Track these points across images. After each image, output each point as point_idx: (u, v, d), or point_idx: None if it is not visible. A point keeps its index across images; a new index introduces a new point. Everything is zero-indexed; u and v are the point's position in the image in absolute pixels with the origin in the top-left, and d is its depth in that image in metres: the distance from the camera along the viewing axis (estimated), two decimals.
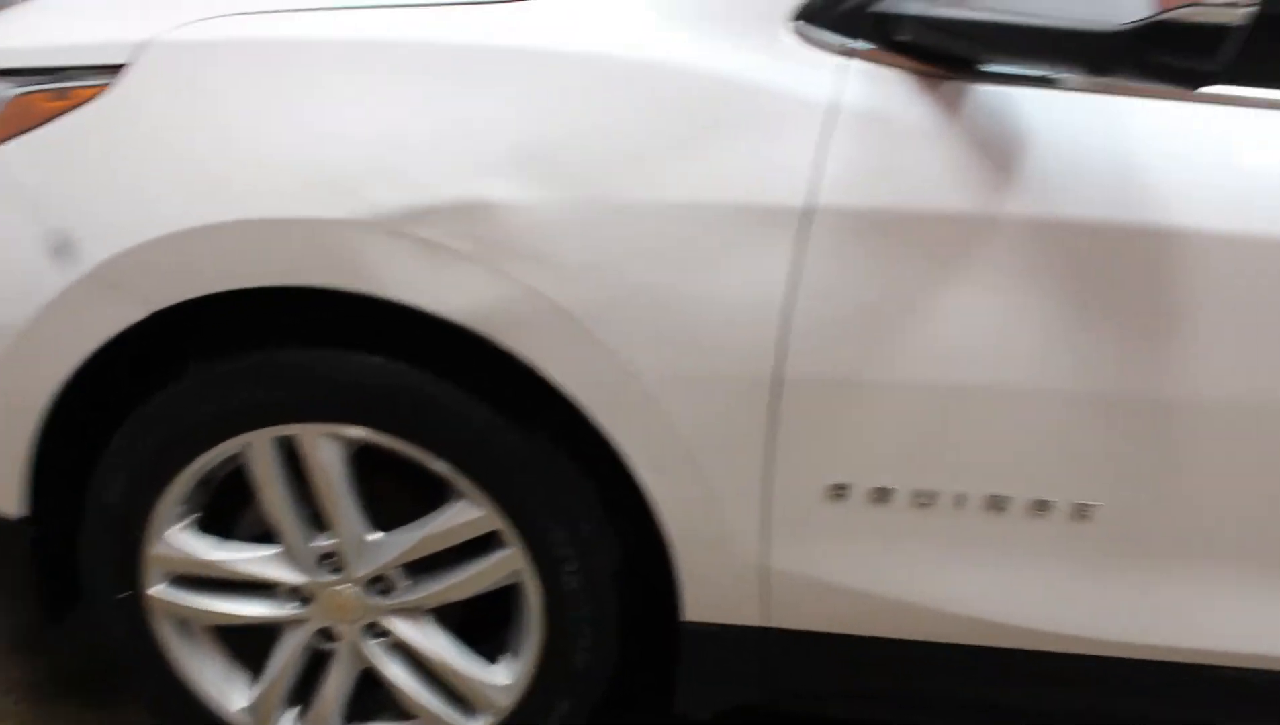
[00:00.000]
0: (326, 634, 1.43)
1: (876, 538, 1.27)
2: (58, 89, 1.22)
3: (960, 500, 1.26)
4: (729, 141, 1.15)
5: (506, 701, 1.42)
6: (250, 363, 1.27)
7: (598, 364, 1.19)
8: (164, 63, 1.20)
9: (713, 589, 1.32)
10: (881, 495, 1.26)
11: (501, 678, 1.41)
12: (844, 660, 1.37)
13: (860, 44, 1.17)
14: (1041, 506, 1.26)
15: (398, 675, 1.43)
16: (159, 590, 1.41)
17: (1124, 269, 1.16)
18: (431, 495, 1.33)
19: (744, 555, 1.28)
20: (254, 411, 1.28)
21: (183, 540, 1.37)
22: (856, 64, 1.16)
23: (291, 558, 1.37)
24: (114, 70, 1.20)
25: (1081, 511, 1.26)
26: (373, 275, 1.17)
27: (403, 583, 1.38)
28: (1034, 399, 1.20)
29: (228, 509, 1.42)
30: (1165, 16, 0.93)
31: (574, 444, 1.28)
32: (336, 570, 1.37)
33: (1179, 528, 1.26)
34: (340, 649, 1.43)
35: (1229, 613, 1.30)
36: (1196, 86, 0.99)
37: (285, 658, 1.43)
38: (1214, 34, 0.93)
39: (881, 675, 1.39)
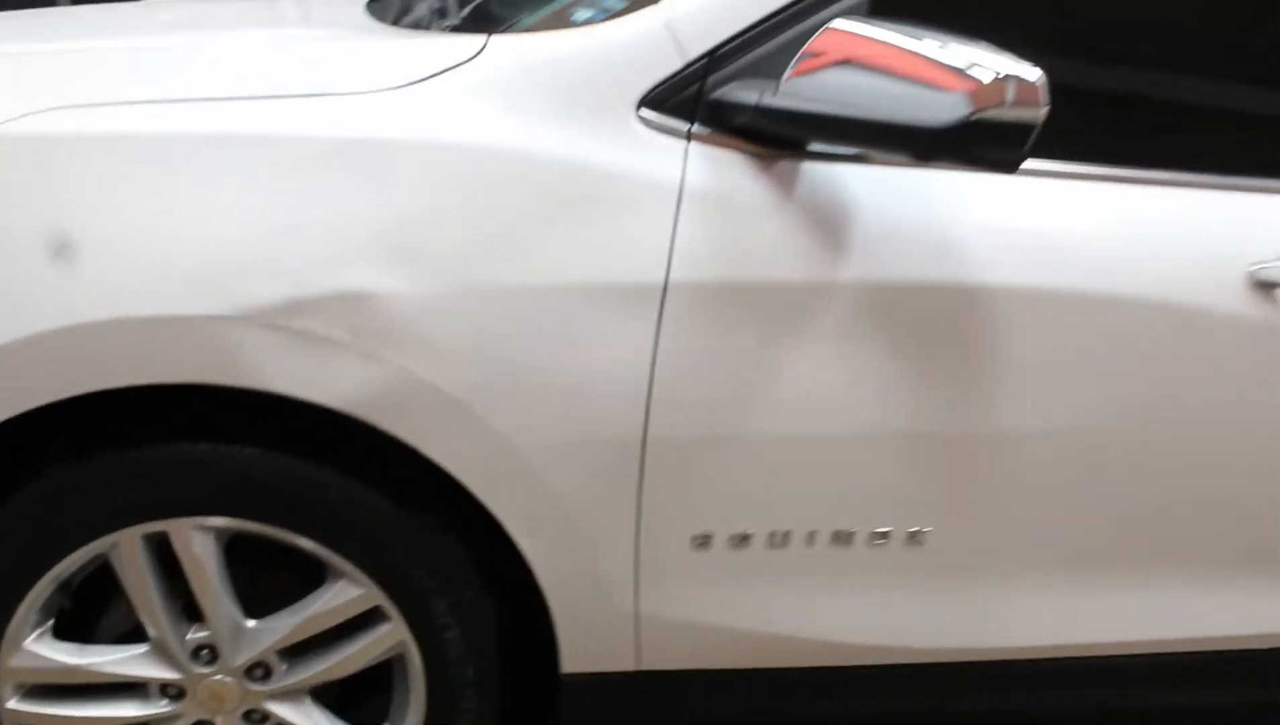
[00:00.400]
0: None
1: (739, 578, 1.39)
2: None
3: (811, 538, 1.38)
4: (587, 224, 1.24)
5: None
6: (120, 461, 1.24)
7: (475, 439, 1.24)
8: (21, 157, 1.16)
9: (588, 640, 1.39)
10: (741, 540, 1.37)
11: None
12: (714, 693, 1.47)
13: (700, 129, 1.28)
14: (881, 536, 1.40)
15: None
16: (14, 704, 1.34)
17: (939, 322, 1.33)
18: (305, 576, 1.34)
19: (617, 606, 1.36)
20: (124, 510, 1.25)
21: (41, 648, 1.32)
22: (697, 147, 1.27)
23: (163, 653, 1.34)
24: None
25: (914, 538, 1.41)
26: (252, 369, 1.18)
27: (280, 666, 1.37)
28: (868, 442, 1.35)
29: (84, 610, 1.37)
30: (981, 116, 1.08)
31: (450, 515, 1.32)
32: (211, 661, 1.35)
33: (994, 544, 1.44)
34: None
35: (1034, 611, 1.49)
36: (1012, 171, 1.16)
37: None
38: (1021, 129, 1.10)
39: (749, 702, 1.50)
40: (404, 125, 1.22)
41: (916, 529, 1.41)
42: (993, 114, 1.09)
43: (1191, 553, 1.50)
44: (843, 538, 1.40)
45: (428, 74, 1.25)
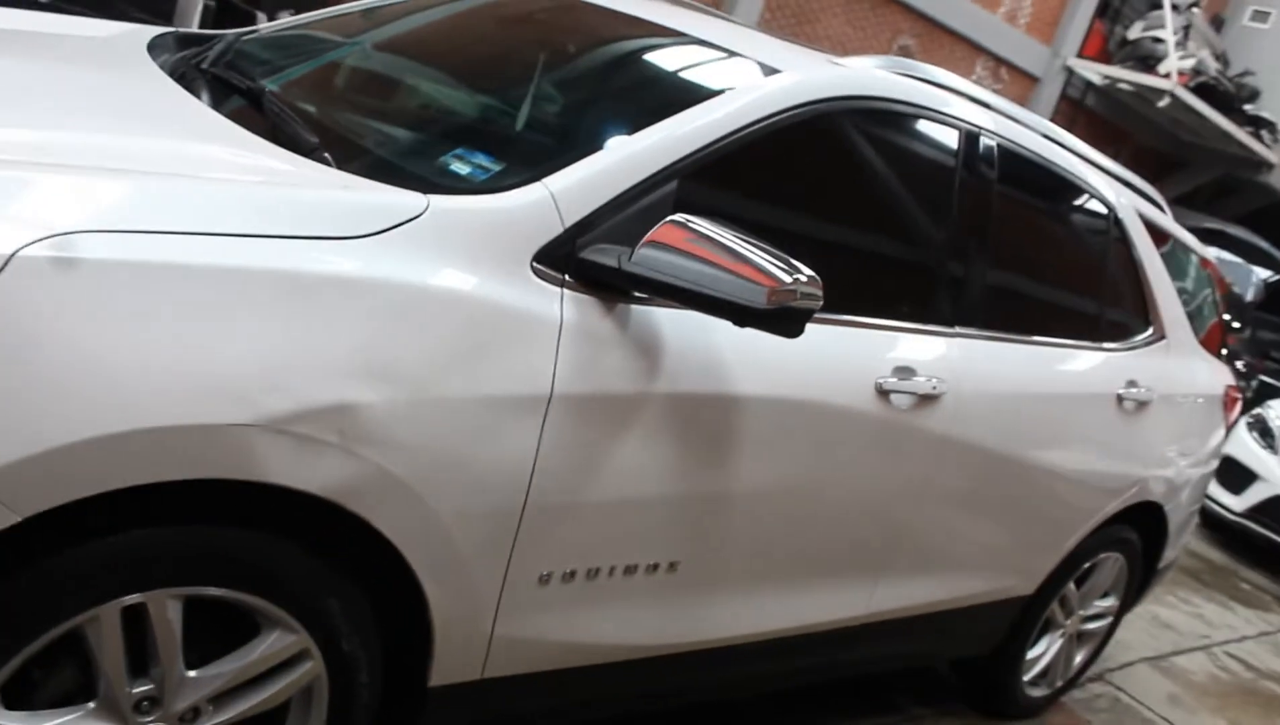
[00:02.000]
0: None
1: (562, 604, 1.87)
2: None
3: (611, 571, 1.92)
4: (498, 349, 1.65)
5: None
6: (112, 546, 1.39)
7: (410, 512, 1.59)
8: (34, 282, 1.26)
9: (453, 658, 1.78)
10: (569, 575, 1.86)
11: None
12: (542, 688, 1.94)
13: (570, 280, 1.75)
14: (652, 567, 1.98)
15: None
16: None
17: (701, 418, 1.93)
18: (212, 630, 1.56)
19: (480, 630, 1.78)
20: (113, 586, 1.40)
21: (3, 718, 1.41)
22: (569, 293, 1.74)
23: (110, 709, 1.48)
24: None
25: (672, 566, 2.01)
26: (257, 465, 1.42)
27: (209, 709, 1.58)
28: (651, 503, 1.91)
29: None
30: (782, 303, 1.68)
31: (364, 571, 1.65)
32: (150, 711, 1.52)
33: (718, 568, 2.09)
34: None
35: (741, 610, 2.17)
36: (796, 337, 1.76)
37: None
38: (804, 312, 1.72)
39: (566, 693, 1.99)
40: (373, 268, 1.53)
41: (675, 560, 2.01)
42: (789, 302, 1.70)
43: (825, 569, 2.29)
44: (630, 569, 1.95)
45: (387, 226, 1.56)
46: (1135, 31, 13.02)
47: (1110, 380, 3.03)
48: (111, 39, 2.39)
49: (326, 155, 1.73)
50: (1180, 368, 3.40)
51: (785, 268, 1.71)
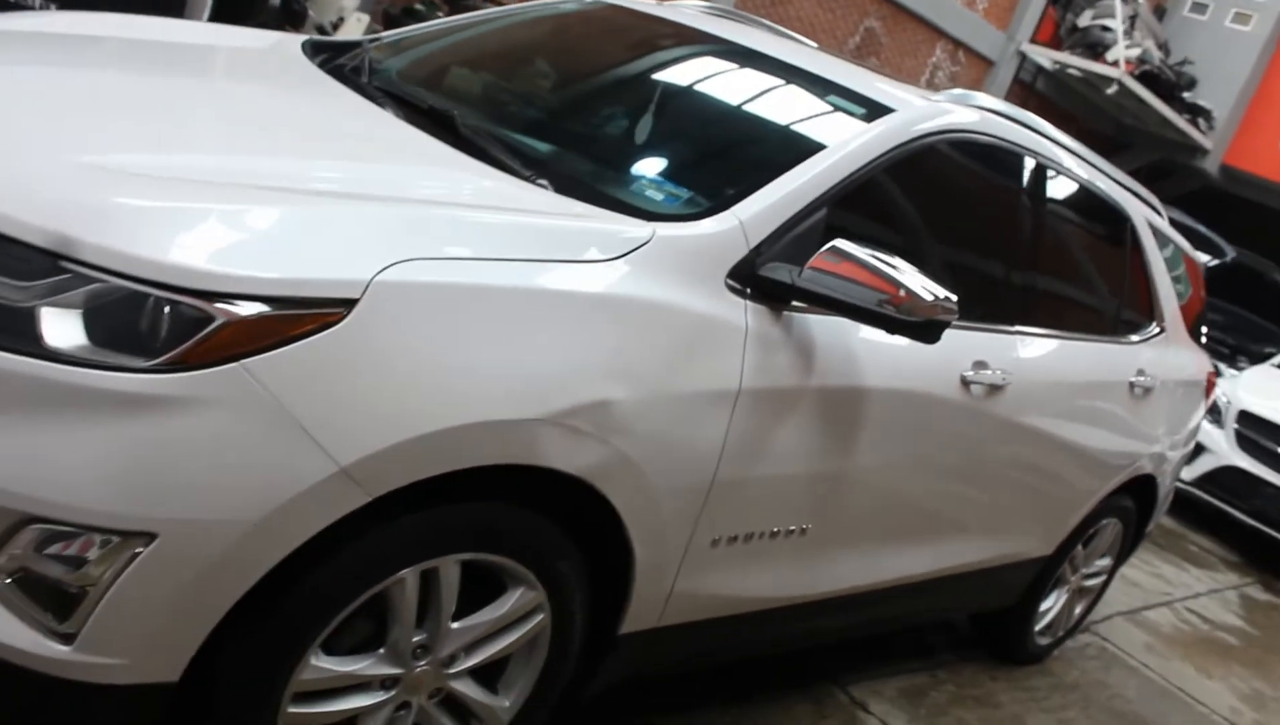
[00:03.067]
0: (400, 706, 1.86)
1: (726, 562, 2.21)
2: (297, 315, 1.48)
3: (762, 536, 2.26)
4: (704, 353, 1.97)
5: (508, 718, 2.02)
6: (426, 520, 1.68)
7: (636, 488, 1.91)
8: (390, 300, 1.54)
9: (641, 609, 2.11)
10: (732, 539, 2.20)
11: (507, 702, 2.01)
12: (696, 635, 2.28)
13: (750, 291, 2.07)
14: (790, 531, 2.33)
15: (445, 721, 1.93)
16: (292, 709, 1.69)
17: (840, 406, 2.27)
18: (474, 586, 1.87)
19: (665, 584, 2.11)
20: (421, 553, 1.70)
21: (321, 662, 1.70)
22: (751, 305, 2.06)
23: (394, 655, 1.78)
24: (348, 302, 1.51)
25: (804, 531, 2.36)
26: (539, 452, 1.73)
27: (462, 655, 1.89)
28: (794, 478, 2.25)
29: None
30: (928, 319, 2.02)
31: (584, 537, 1.96)
32: (422, 656, 1.83)
33: (838, 531, 2.45)
34: (411, 714, 1.87)
35: (855, 566, 2.54)
36: (935, 343, 2.11)
37: None
38: (942, 325, 2.06)
39: (712, 639, 2.34)
40: (619, 286, 1.83)
41: (806, 525, 2.36)
42: (934, 316, 2.04)
43: (911, 531, 2.67)
44: (774, 534, 2.29)
45: (626, 250, 1.87)
46: (1085, 19, 13.56)
47: (1125, 369, 3.45)
48: (269, 50, 2.61)
49: (544, 181, 2.02)
50: (1175, 356, 3.85)
51: (930, 288, 2.05)
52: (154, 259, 1.43)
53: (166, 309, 1.42)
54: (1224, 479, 6.68)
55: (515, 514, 1.82)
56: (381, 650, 1.78)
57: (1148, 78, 13.30)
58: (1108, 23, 13.24)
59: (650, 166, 2.27)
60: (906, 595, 2.88)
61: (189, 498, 1.44)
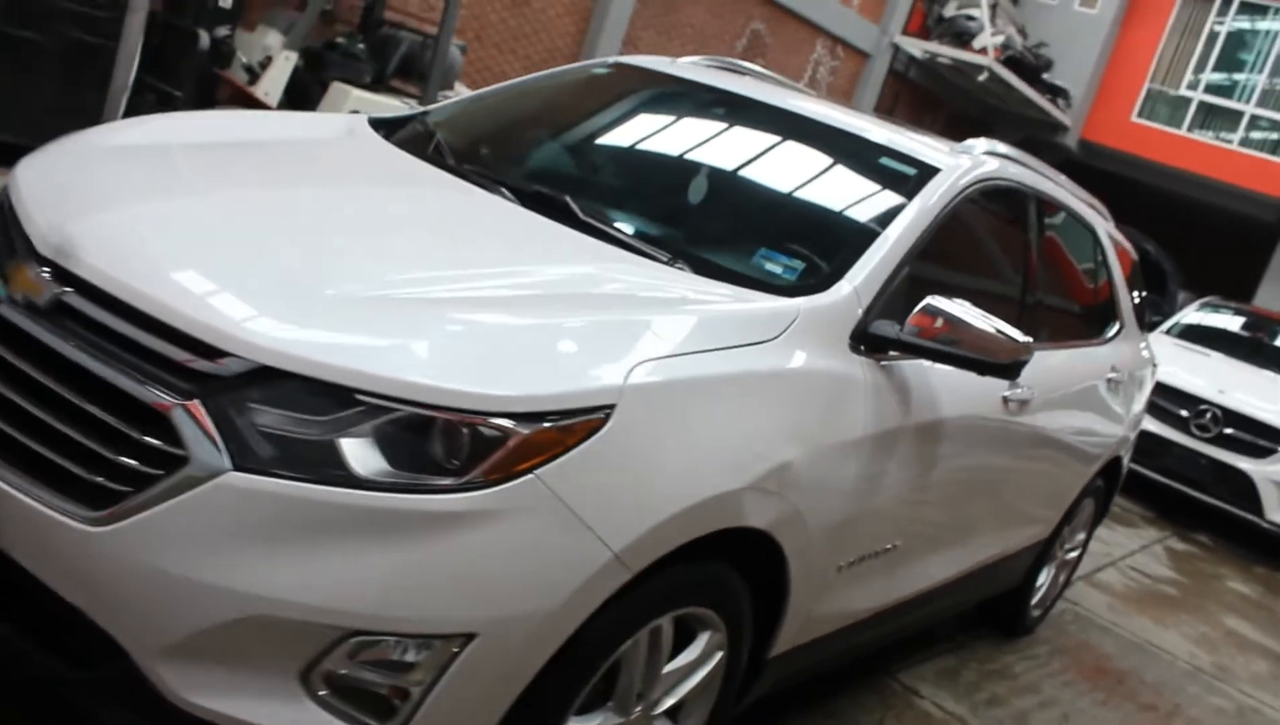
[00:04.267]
0: None
1: (844, 584, 2.50)
2: (571, 425, 1.67)
3: (871, 556, 2.55)
4: (842, 407, 2.24)
5: None
6: (666, 579, 1.87)
7: (798, 533, 2.16)
8: (638, 401, 1.75)
9: (788, 634, 2.37)
10: (850, 564, 2.48)
11: None
12: (817, 648, 2.56)
13: (864, 348, 2.35)
14: (886, 549, 2.63)
15: None
16: None
17: (927, 435, 2.58)
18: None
19: (806, 609, 2.38)
20: (657, 612, 1.91)
21: (572, 723, 1.90)
22: (864, 358, 2.34)
23: (620, 705, 1.99)
24: (609, 408, 1.71)
25: (894, 547, 2.66)
26: (744, 514, 1.97)
27: (663, 698, 2.11)
28: (892, 504, 2.55)
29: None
30: (1014, 360, 2.34)
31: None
32: (638, 702, 2.04)
33: (921, 542, 2.76)
34: None
35: (934, 566, 2.86)
36: (1015, 378, 2.44)
37: None
38: (1022, 364, 2.38)
39: (826, 649, 2.63)
40: (785, 361, 2.09)
41: (896, 543, 2.66)
42: (1019, 357, 2.36)
43: (964, 533, 3.02)
44: (876, 554, 2.59)
45: (784, 328, 2.12)
46: (950, 9, 14.34)
47: (1104, 367, 3.88)
48: (360, 139, 2.74)
49: (682, 264, 2.25)
50: (1131, 349, 4.32)
51: (1012, 335, 2.36)
52: (448, 387, 1.60)
53: (465, 431, 1.60)
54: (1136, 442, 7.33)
55: (715, 567, 2.05)
56: (610, 704, 1.99)
57: (1012, 62, 14.15)
58: (972, 12, 14.02)
59: (757, 240, 2.52)
60: (957, 588, 3.22)
61: (501, 597, 1.63)
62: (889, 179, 2.75)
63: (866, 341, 2.34)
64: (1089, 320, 3.91)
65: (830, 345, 2.24)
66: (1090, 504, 4.33)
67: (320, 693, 1.60)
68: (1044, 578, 4.24)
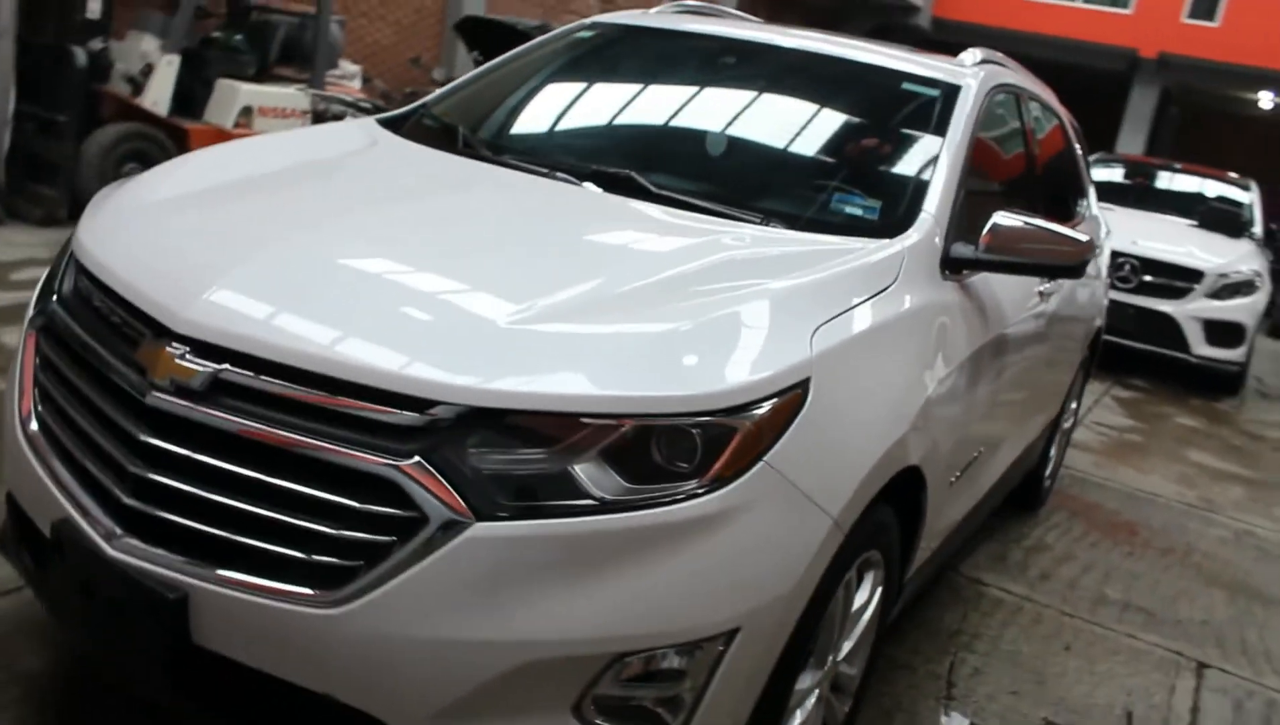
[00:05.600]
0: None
1: (951, 496, 2.57)
2: (781, 404, 1.67)
3: (963, 468, 2.64)
4: (950, 332, 2.30)
5: (856, 685, 2.32)
6: (858, 529, 1.90)
7: (933, 459, 2.22)
8: (824, 368, 1.77)
9: (921, 552, 2.45)
10: (955, 478, 2.57)
11: (854, 671, 2.30)
12: (940, 555, 2.65)
13: (948, 272, 2.40)
14: (974, 458, 2.73)
15: (835, 703, 2.21)
16: None
17: (999, 347, 2.67)
18: None
19: (933, 526, 2.45)
20: (855, 557, 1.95)
21: (804, 681, 1.93)
22: (952, 283, 2.40)
23: (821, 659, 2.03)
24: (806, 381, 1.72)
25: (979, 456, 2.77)
26: (909, 455, 2.03)
27: (842, 643, 2.16)
28: (977, 416, 2.64)
29: None
30: (1081, 260, 2.44)
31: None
32: (829, 657, 2.09)
33: (989, 445, 2.87)
34: (821, 707, 2.12)
35: (996, 464, 2.98)
36: (1081, 277, 2.54)
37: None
38: (1087, 262, 2.48)
39: (945, 549, 2.71)
40: (907, 300, 2.13)
41: (980, 452, 2.77)
42: (1086, 256, 2.45)
43: (1017, 425, 3.14)
44: (970, 463, 2.68)
45: (898, 271, 2.15)
46: None
47: None
48: (374, 145, 2.63)
49: (776, 222, 2.26)
50: (1098, 228, 4.51)
51: (1076, 237, 2.45)
52: (670, 394, 1.59)
53: (696, 433, 1.59)
54: None
55: (884, 510, 2.07)
56: (812, 660, 2.03)
57: None
58: None
59: (825, 185, 2.53)
60: (1006, 480, 3.36)
61: (755, 586, 1.64)
62: (918, 104, 2.78)
63: (950, 265, 2.40)
64: (1072, 201, 4.05)
65: (930, 277, 2.29)
66: (1080, 375, 4.54)
67: (595, 721, 1.59)
68: (1054, 451, 4.45)
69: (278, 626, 1.55)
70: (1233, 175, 9.32)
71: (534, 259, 1.95)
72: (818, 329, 1.82)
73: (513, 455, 1.54)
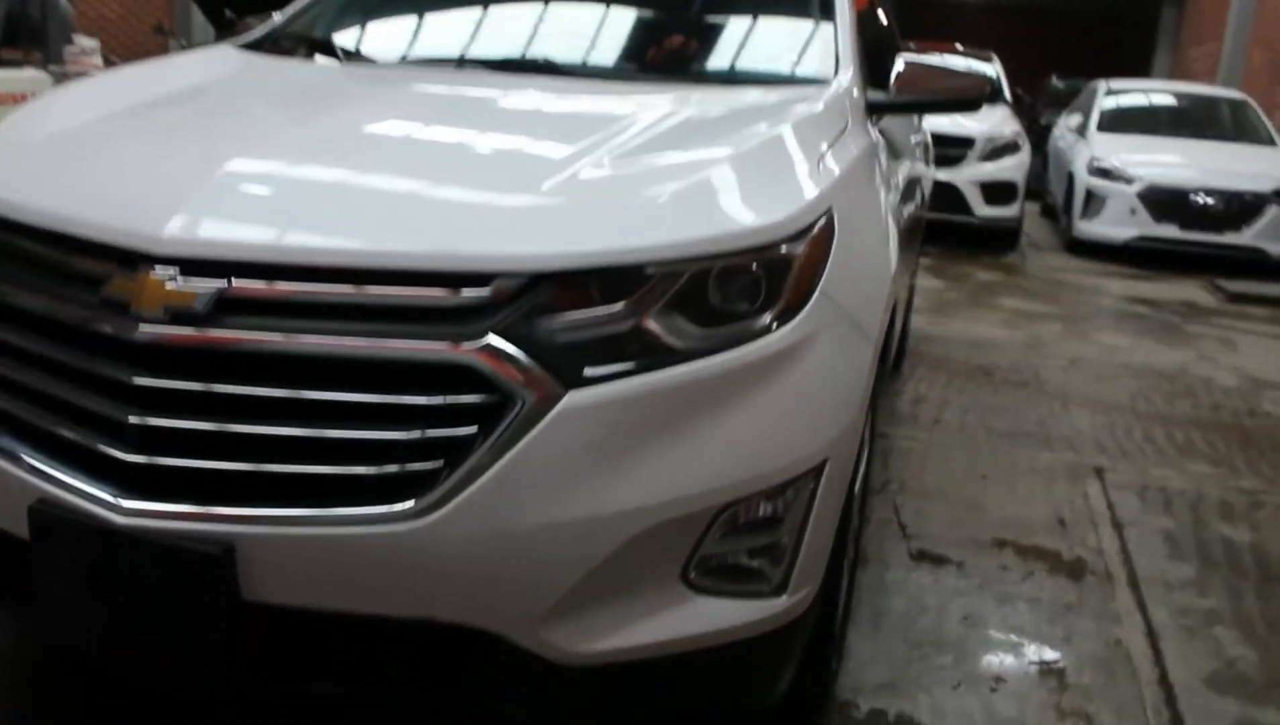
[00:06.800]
0: None
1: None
2: (819, 233, 1.64)
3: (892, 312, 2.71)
4: (884, 169, 2.33)
5: None
6: None
7: (901, 302, 2.26)
8: (839, 197, 1.69)
9: None
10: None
11: None
12: None
13: (871, 116, 2.43)
14: None
15: None
16: None
17: (903, 186, 2.73)
18: None
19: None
20: None
21: None
22: (870, 123, 2.43)
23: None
24: (829, 210, 1.67)
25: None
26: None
27: None
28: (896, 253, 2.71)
29: None
30: (980, 95, 2.52)
31: None
32: None
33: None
34: None
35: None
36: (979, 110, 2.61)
37: None
38: (983, 97, 2.57)
39: None
40: (865, 139, 2.14)
41: (895, 303, 2.83)
42: (982, 91, 2.53)
43: (901, 282, 3.23)
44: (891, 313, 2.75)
45: (849, 115, 2.15)
46: None
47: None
48: (251, 68, 2.36)
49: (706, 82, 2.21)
50: None
51: (976, 71, 2.55)
52: (728, 231, 1.52)
53: (758, 269, 1.52)
54: None
55: None
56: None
57: None
58: None
59: (736, 46, 2.49)
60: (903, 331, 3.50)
61: (833, 414, 1.61)
62: None
63: (870, 109, 2.42)
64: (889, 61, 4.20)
65: (861, 120, 2.30)
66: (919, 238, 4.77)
67: (704, 584, 1.52)
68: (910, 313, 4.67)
69: (353, 555, 1.38)
70: (973, 49, 9.98)
71: (526, 133, 1.82)
72: (821, 162, 1.79)
73: (584, 318, 1.42)
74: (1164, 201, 8.17)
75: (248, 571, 1.40)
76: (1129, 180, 8.31)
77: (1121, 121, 9.31)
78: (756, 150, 1.76)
